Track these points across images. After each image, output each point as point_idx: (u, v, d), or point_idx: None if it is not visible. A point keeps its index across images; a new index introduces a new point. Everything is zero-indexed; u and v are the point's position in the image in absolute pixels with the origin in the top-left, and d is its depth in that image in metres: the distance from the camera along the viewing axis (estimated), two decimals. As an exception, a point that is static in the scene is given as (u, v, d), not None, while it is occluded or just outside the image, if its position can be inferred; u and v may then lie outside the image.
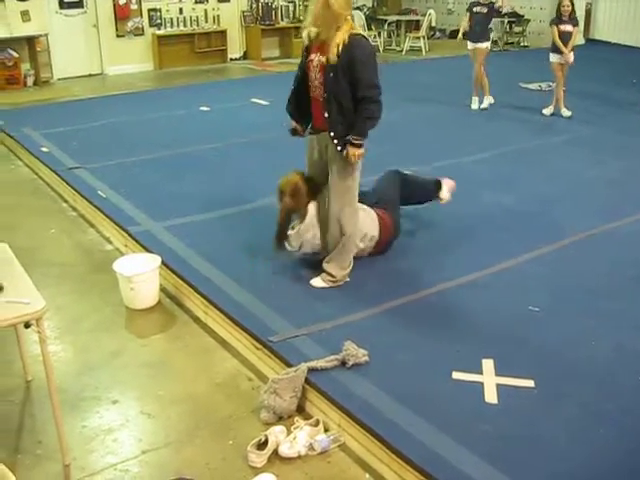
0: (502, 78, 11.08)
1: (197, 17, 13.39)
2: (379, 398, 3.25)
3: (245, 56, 14.32)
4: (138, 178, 6.54)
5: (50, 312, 3.63)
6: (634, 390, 3.36)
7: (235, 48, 14.14)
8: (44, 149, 7.51)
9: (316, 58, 4.03)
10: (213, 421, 3.36)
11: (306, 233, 4.49)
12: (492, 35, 12.31)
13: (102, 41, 12.53)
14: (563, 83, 8.91)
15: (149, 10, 12.88)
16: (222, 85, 11.68)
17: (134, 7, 12.66)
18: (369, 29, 14.80)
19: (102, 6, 12.34)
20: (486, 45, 9.31)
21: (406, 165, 5.59)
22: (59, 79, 12.08)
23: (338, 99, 3.99)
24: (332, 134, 4.06)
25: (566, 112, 8.88)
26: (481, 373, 3.44)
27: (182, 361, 3.89)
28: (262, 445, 3.09)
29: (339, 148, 4.05)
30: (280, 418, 3.32)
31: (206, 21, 13.54)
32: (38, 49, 11.58)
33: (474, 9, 9.17)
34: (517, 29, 15.92)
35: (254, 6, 13.98)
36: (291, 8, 14.46)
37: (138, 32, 12.84)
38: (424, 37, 14.91)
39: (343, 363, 3.47)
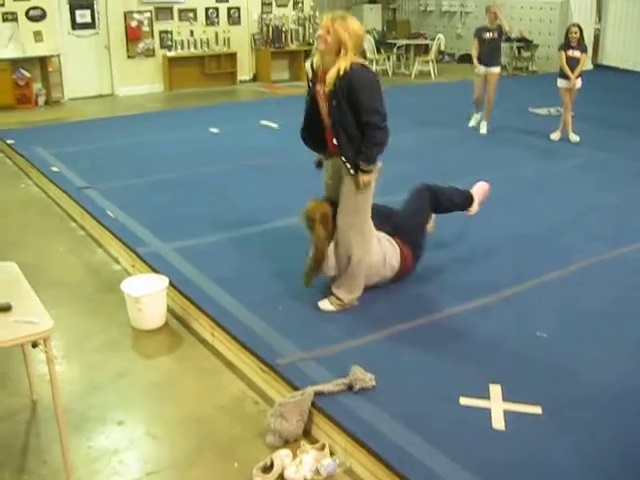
0: (511, 103, 11.13)
1: (208, 39, 13.50)
2: (386, 422, 3.23)
3: (255, 78, 14.40)
4: (147, 199, 6.57)
5: (57, 331, 3.63)
6: (643, 418, 3.33)
7: (245, 70, 14.23)
8: (54, 169, 7.55)
9: (321, 89, 4.11)
10: (218, 444, 3.35)
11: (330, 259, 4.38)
12: (502, 60, 12.36)
13: (113, 62, 12.65)
14: (571, 108, 8.92)
15: (160, 32, 13.00)
16: (232, 107, 11.75)
17: (146, 29, 12.78)
18: (378, 53, 14.92)
19: (114, 27, 12.46)
20: (498, 70, 9.37)
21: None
22: (70, 99, 12.18)
23: (344, 126, 4.05)
24: (343, 158, 4.11)
25: (574, 137, 8.88)
26: (488, 399, 3.42)
27: (188, 383, 3.88)
28: (268, 469, 3.07)
29: (352, 171, 4.10)
30: (286, 442, 3.31)
31: (217, 43, 13.64)
32: (50, 69, 11.68)
33: (484, 36, 9.20)
34: (526, 54, 16.02)
35: (264, 29, 14.11)
36: (301, 31, 14.56)
37: (149, 53, 12.96)
38: (433, 61, 14.99)
39: (350, 387, 3.46)
